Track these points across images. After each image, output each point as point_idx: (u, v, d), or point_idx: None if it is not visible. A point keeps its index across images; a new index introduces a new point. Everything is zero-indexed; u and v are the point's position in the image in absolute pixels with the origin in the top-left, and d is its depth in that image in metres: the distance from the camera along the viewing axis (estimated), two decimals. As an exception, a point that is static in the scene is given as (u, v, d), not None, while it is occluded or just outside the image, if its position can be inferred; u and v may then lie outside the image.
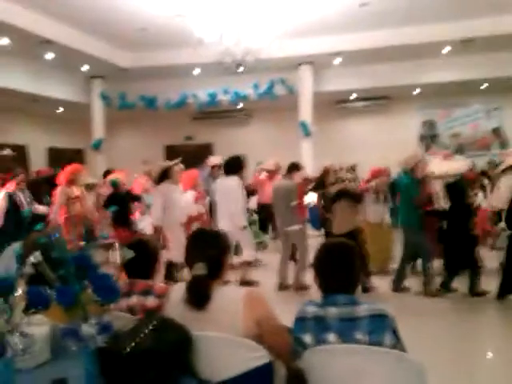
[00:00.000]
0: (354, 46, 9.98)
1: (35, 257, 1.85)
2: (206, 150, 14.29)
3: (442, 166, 7.20)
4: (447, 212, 6.10)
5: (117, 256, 2.41)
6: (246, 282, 6.32)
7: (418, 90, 12.31)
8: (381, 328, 1.99)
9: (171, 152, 13.97)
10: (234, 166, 6.36)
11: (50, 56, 9.58)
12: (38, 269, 1.85)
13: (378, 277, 6.55)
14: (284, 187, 6.51)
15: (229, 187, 6.24)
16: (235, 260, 6.19)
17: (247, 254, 6.38)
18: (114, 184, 7.29)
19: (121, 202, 7.01)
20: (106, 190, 7.77)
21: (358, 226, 6.16)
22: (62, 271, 1.82)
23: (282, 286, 6.43)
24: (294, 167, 6.60)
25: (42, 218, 6.63)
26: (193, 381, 2.04)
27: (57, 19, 8.57)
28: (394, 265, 6.65)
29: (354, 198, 6.19)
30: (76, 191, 6.86)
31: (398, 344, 2.01)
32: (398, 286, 6.18)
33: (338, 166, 7.63)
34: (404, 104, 13.25)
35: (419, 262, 6.50)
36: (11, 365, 1.65)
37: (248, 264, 6.50)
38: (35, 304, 1.80)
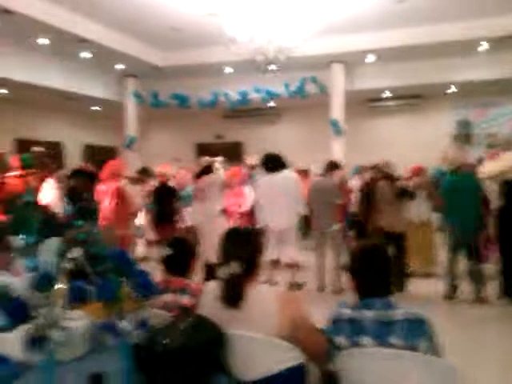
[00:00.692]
0: (386, 43, 9.82)
1: (75, 252, 1.89)
2: (236, 149, 14.36)
3: (495, 165, 6.85)
4: (500, 211, 5.68)
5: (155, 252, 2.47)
6: (293, 285, 6.07)
7: (452, 89, 12.03)
8: (417, 332, 1.95)
9: (202, 150, 14.07)
10: (281, 161, 6.01)
11: (85, 55, 9.81)
12: (78, 264, 1.89)
13: (422, 279, 6.38)
14: (324, 186, 6.29)
15: (287, 180, 5.89)
16: (282, 260, 6.01)
17: (294, 254, 6.04)
18: (161, 176, 7.30)
19: (166, 197, 7.02)
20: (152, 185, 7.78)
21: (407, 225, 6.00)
22: (101, 267, 1.87)
23: (320, 288, 6.23)
24: (334, 166, 6.40)
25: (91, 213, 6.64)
26: (226, 379, 2.06)
27: (92, 19, 8.74)
28: (438, 268, 6.45)
29: (412, 197, 6.02)
30: (126, 187, 6.96)
31: (435, 349, 1.97)
32: (449, 292, 5.73)
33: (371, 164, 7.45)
34: (437, 103, 12.96)
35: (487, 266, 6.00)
36: (53, 357, 1.70)
37: (296, 266, 6.17)
38: (75, 299, 1.85)
